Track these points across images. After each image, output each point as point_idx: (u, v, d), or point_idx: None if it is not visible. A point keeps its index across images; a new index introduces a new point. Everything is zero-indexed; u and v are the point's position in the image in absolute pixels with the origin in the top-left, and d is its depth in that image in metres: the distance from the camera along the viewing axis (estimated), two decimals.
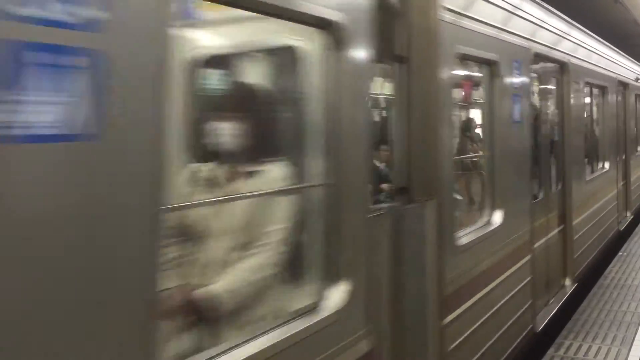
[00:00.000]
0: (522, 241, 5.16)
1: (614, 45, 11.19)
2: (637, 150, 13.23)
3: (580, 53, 7.73)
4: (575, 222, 7.02)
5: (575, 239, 7.02)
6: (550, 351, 5.59)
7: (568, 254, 6.92)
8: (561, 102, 6.90)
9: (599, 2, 11.22)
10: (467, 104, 5.46)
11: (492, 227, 4.59)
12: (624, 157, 11.66)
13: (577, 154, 7.26)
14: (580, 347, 5.64)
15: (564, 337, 5.90)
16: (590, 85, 8.69)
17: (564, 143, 6.79)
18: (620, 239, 10.40)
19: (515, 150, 5.05)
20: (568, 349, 5.61)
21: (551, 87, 6.80)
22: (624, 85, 11.70)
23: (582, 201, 7.47)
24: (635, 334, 5.88)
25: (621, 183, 11.17)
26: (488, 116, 4.77)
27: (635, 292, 7.22)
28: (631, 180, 11.87)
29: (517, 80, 5.07)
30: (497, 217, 4.69)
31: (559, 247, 6.71)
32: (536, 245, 5.57)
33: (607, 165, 9.51)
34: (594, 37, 8.89)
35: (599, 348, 5.59)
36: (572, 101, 7.03)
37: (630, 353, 5.47)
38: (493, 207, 4.71)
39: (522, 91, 5.20)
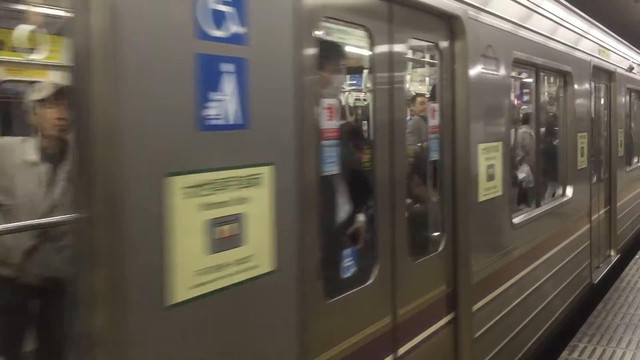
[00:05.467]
0: None
1: (636, 47, 10.52)
2: (629, 164, 9.86)
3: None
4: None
5: None
6: (564, 354, 5.49)
7: None
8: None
9: (619, 2, 11.18)
10: None
11: None
12: (607, 175, 8.36)
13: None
14: (594, 350, 5.58)
15: (578, 339, 5.82)
16: (535, 68, 5.45)
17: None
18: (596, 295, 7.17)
19: None
20: (582, 352, 5.55)
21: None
22: (608, 75, 8.39)
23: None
24: None
25: (601, 212, 7.87)
26: None
27: None
28: (617, 206, 8.52)
29: None
30: None
31: None
32: None
33: (569, 191, 6.25)
34: None
35: (614, 351, 5.53)
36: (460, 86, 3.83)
37: None
38: None
39: None
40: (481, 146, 4.05)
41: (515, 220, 4.73)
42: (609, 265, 8.02)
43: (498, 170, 4.34)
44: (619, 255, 8.51)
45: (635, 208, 9.84)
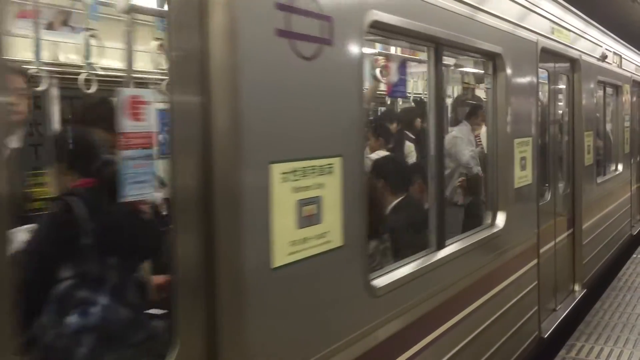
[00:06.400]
0: None
1: (633, 46, 10.25)
2: (602, 174, 8.09)
3: None
4: None
5: None
6: (562, 353, 5.44)
7: None
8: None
9: (616, 2, 10.79)
10: None
11: None
12: (569, 189, 6.62)
13: None
14: (591, 349, 5.54)
15: (576, 339, 5.81)
16: (433, 44, 3.66)
17: None
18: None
19: None
20: (579, 351, 5.50)
21: None
22: (570, 63, 6.63)
23: None
24: None
25: (559, 238, 6.13)
26: None
27: None
28: (582, 229, 6.75)
29: None
30: None
31: None
32: None
33: (500, 219, 4.49)
34: None
35: (611, 350, 5.48)
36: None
37: None
38: None
39: None
40: (277, 167, 2.29)
41: (378, 282, 2.96)
42: (570, 305, 6.26)
43: (332, 207, 2.57)
44: (584, 291, 6.76)
45: (609, 228, 8.06)
